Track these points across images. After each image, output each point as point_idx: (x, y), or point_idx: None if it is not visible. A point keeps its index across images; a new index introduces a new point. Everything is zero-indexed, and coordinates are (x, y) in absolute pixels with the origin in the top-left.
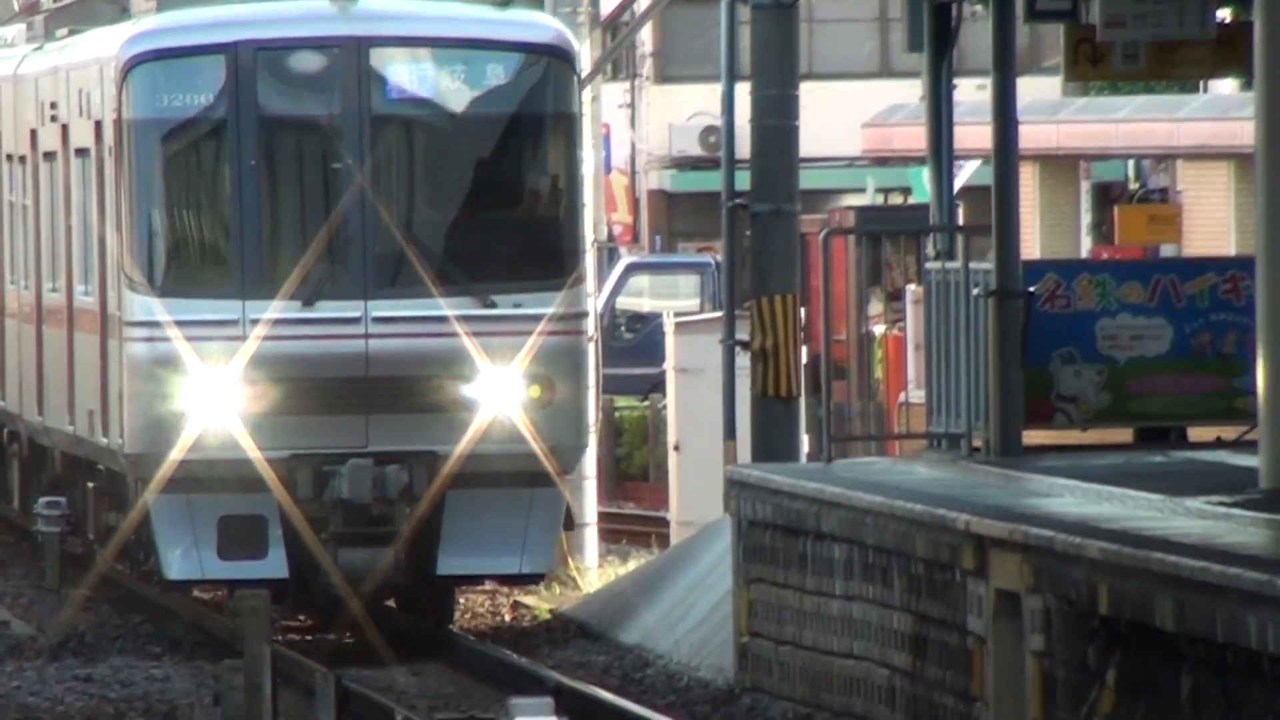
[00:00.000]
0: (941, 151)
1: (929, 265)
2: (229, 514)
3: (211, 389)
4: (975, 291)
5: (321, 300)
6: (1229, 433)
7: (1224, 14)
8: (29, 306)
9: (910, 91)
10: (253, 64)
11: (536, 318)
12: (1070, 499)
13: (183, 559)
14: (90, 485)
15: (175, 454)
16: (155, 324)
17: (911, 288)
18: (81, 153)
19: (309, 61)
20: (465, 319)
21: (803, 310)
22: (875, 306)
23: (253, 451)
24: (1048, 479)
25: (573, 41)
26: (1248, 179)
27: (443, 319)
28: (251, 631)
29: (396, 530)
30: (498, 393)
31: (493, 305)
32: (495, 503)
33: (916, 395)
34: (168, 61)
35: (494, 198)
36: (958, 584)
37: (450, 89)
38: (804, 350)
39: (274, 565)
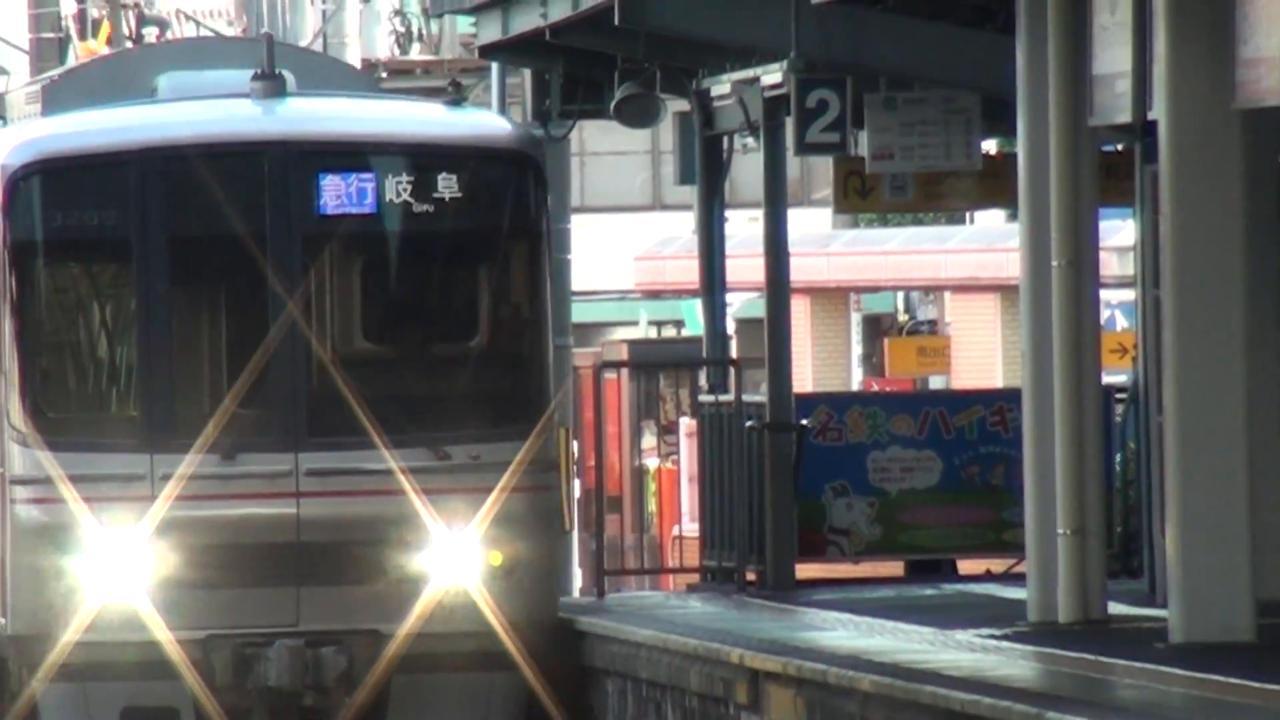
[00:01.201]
0: (714, 284)
1: (702, 398)
2: (133, 705)
3: (113, 558)
4: (748, 424)
5: (245, 453)
6: (998, 565)
7: (989, 146)
8: None
9: (682, 224)
10: (163, 173)
11: (498, 470)
12: (843, 632)
13: None
14: None
15: (69, 636)
16: (46, 482)
17: (685, 420)
18: None
19: (229, 169)
20: (414, 474)
21: (576, 444)
22: (649, 440)
23: (162, 632)
24: (821, 612)
25: (535, 144)
26: (1013, 310)
27: (388, 474)
28: None
29: None
30: (452, 561)
31: (446, 457)
32: (449, 691)
33: (690, 528)
34: (61, 172)
35: (447, 329)
36: (731, 718)
37: (394, 200)
38: (577, 484)
39: None
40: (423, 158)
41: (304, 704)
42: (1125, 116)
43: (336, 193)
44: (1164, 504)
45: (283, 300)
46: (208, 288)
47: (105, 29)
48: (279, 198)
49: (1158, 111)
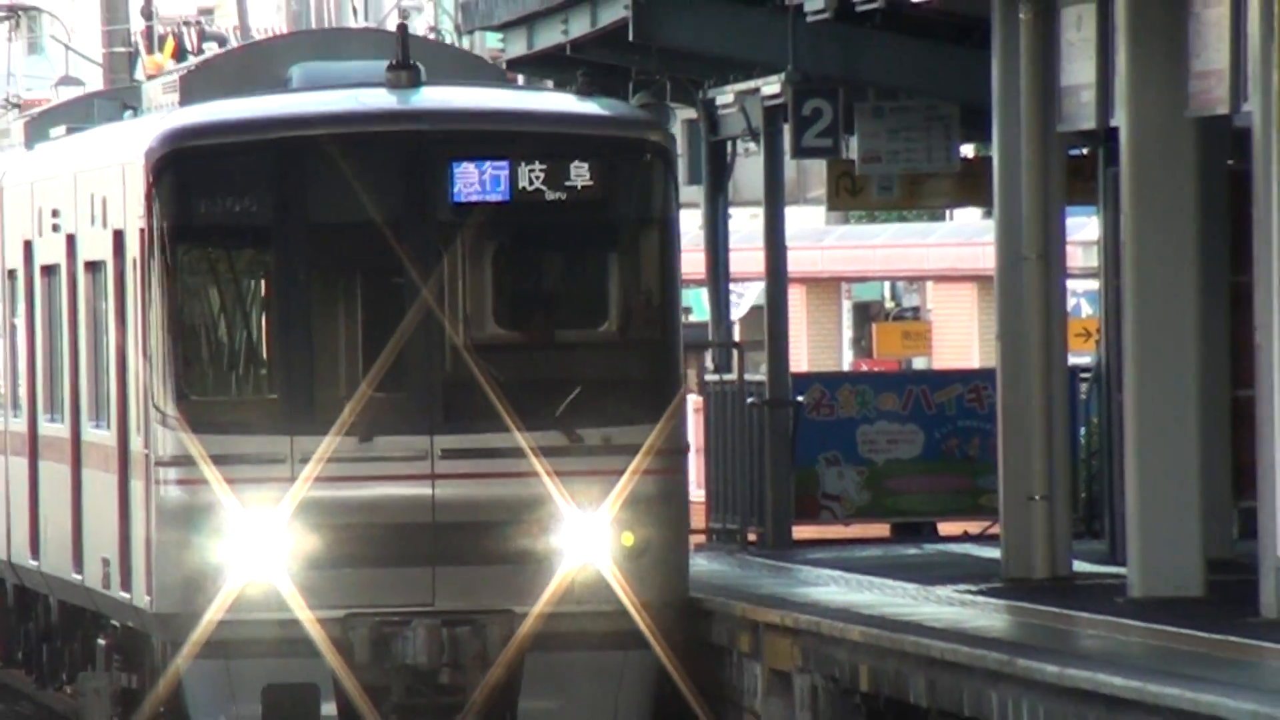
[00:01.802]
0: (719, 275)
1: (708, 377)
2: (275, 682)
3: (255, 538)
4: (750, 401)
5: (381, 435)
6: (974, 528)
7: (967, 150)
8: (18, 437)
9: (690, 220)
10: (301, 162)
11: (629, 453)
12: (835, 588)
13: None
14: (101, 642)
15: (212, 614)
16: (190, 464)
17: (693, 398)
18: (94, 266)
19: (366, 159)
20: (547, 455)
21: None
22: None
23: (302, 611)
24: (815, 570)
25: (668, 135)
26: (989, 298)
27: (521, 456)
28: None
29: (468, 700)
30: (584, 541)
31: (579, 440)
32: (581, 669)
33: (697, 494)
34: (205, 161)
35: (580, 315)
36: (735, 665)
37: (528, 190)
38: None
39: None
40: (558, 146)
41: (440, 682)
42: (1089, 123)
43: (471, 182)
44: (1123, 473)
45: (418, 286)
46: (345, 274)
47: (170, 44)
48: (414, 187)
49: (1119, 119)
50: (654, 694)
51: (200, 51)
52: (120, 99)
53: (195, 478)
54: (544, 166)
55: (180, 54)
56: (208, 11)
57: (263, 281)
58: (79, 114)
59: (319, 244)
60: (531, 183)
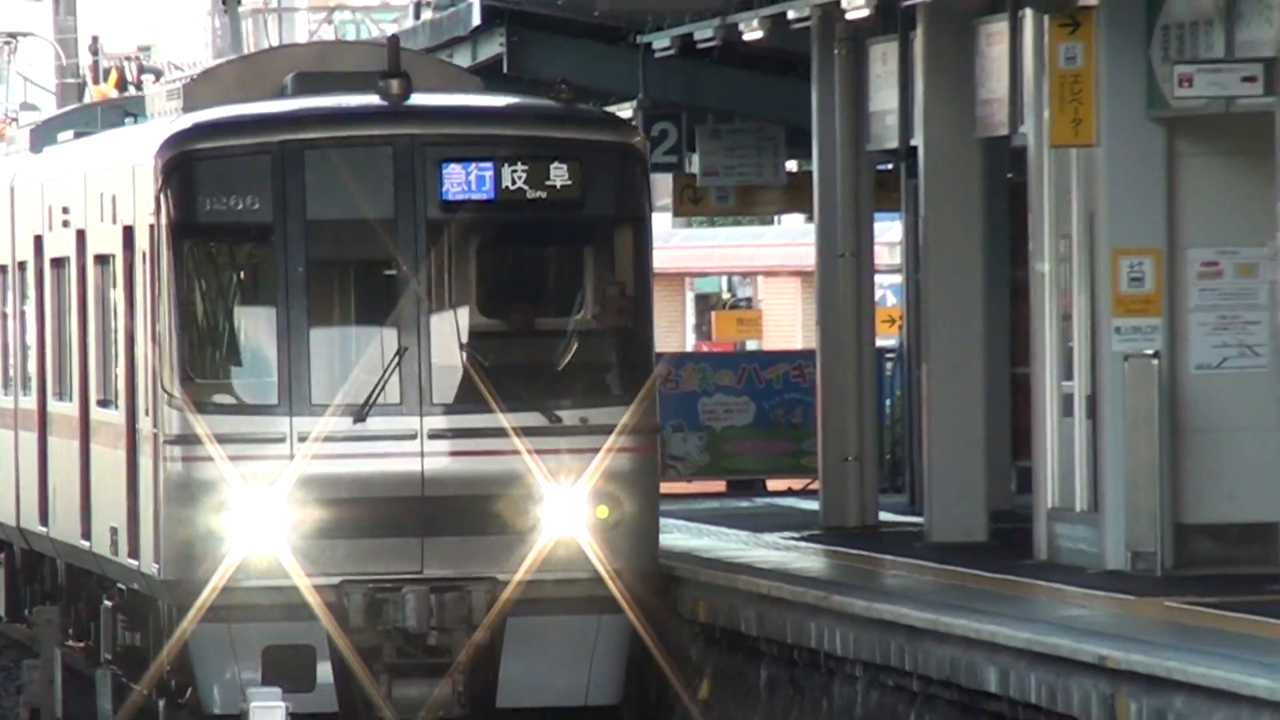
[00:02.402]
0: None
1: None
2: (274, 644)
3: (256, 511)
4: None
5: (374, 416)
6: (797, 484)
7: (792, 165)
8: (28, 414)
9: None
10: (300, 163)
11: (605, 432)
12: (679, 535)
13: (224, 692)
14: (107, 603)
15: (216, 581)
16: (196, 442)
17: None
18: (102, 259)
19: (361, 160)
20: (528, 434)
21: None
22: None
23: (300, 578)
24: (663, 520)
25: (643, 139)
26: (811, 290)
27: (504, 435)
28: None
29: (454, 661)
30: (563, 514)
31: (558, 420)
32: (559, 631)
33: None
34: (211, 161)
35: (559, 305)
36: None
37: (513, 190)
38: None
39: (322, 698)
40: (539, 148)
41: (428, 644)
42: (893, 143)
43: (457, 182)
44: (922, 437)
45: (409, 277)
46: (340, 266)
47: (114, 76)
48: (405, 187)
49: (918, 139)
50: (626, 655)
51: (139, 83)
52: (122, 108)
53: (201, 455)
54: (526, 167)
55: (122, 85)
56: (146, 48)
57: (264, 273)
58: (83, 121)
59: (316, 239)
60: (514, 182)
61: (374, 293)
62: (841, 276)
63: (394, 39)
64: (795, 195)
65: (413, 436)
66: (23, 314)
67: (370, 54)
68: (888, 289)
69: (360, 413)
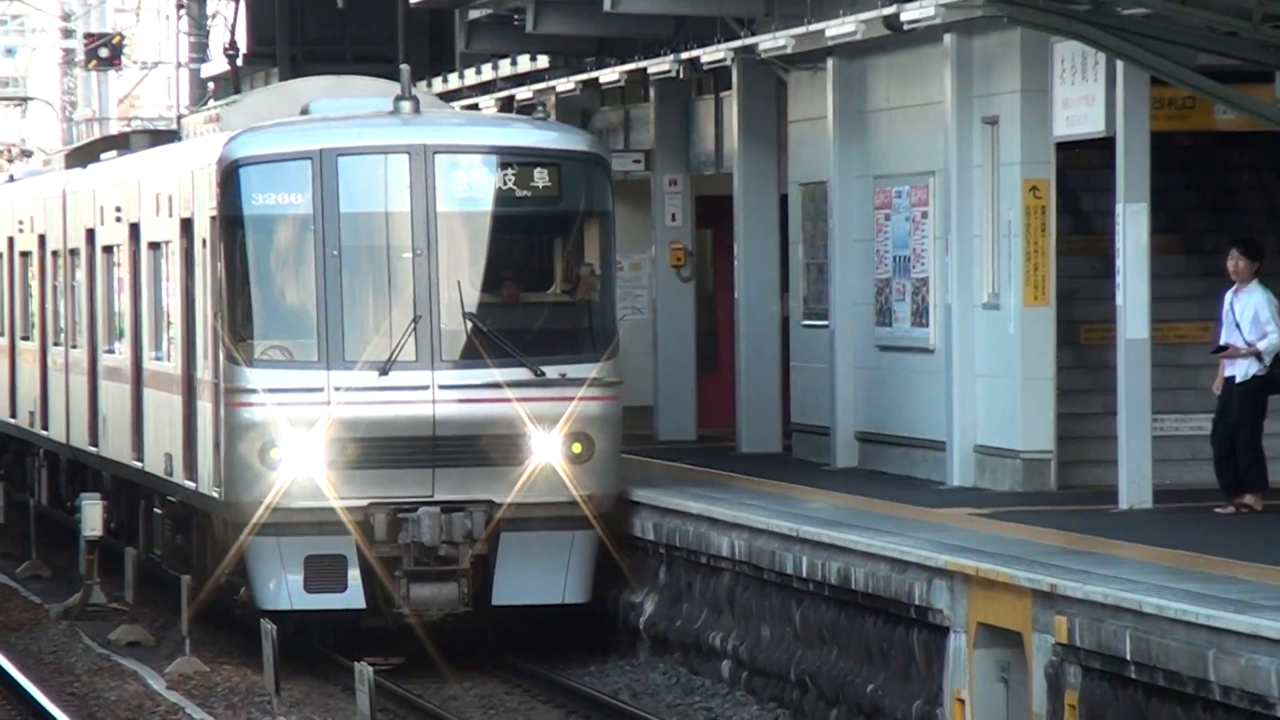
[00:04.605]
0: None
1: None
2: (314, 553)
3: (300, 447)
4: None
5: (394, 371)
6: None
7: None
8: (78, 363)
9: None
10: (335, 167)
11: (579, 384)
12: None
13: (274, 592)
14: (158, 511)
15: (268, 501)
16: (251, 391)
17: None
18: (155, 246)
19: (384, 165)
20: (518, 386)
21: None
22: None
23: (335, 500)
24: None
25: (607, 150)
26: None
27: (499, 386)
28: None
29: (459, 568)
30: (545, 449)
31: (541, 374)
32: (542, 543)
33: None
34: (264, 165)
35: (542, 282)
36: None
37: (504, 190)
38: None
39: (353, 597)
40: (526, 157)
41: (439, 554)
42: (711, 170)
43: (461, 183)
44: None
45: (423, 259)
46: (367, 250)
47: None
48: (419, 186)
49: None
50: (595, 562)
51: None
52: (148, 134)
53: (255, 402)
54: (515, 172)
55: None
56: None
57: (305, 255)
58: (113, 145)
59: (348, 229)
60: (505, 184)
61: (394, 271)
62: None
63: (406, 67)
64: None
65: (426, 388)
66: (73, 289)
67: (370, 85)
68: None
69: (384, 368)
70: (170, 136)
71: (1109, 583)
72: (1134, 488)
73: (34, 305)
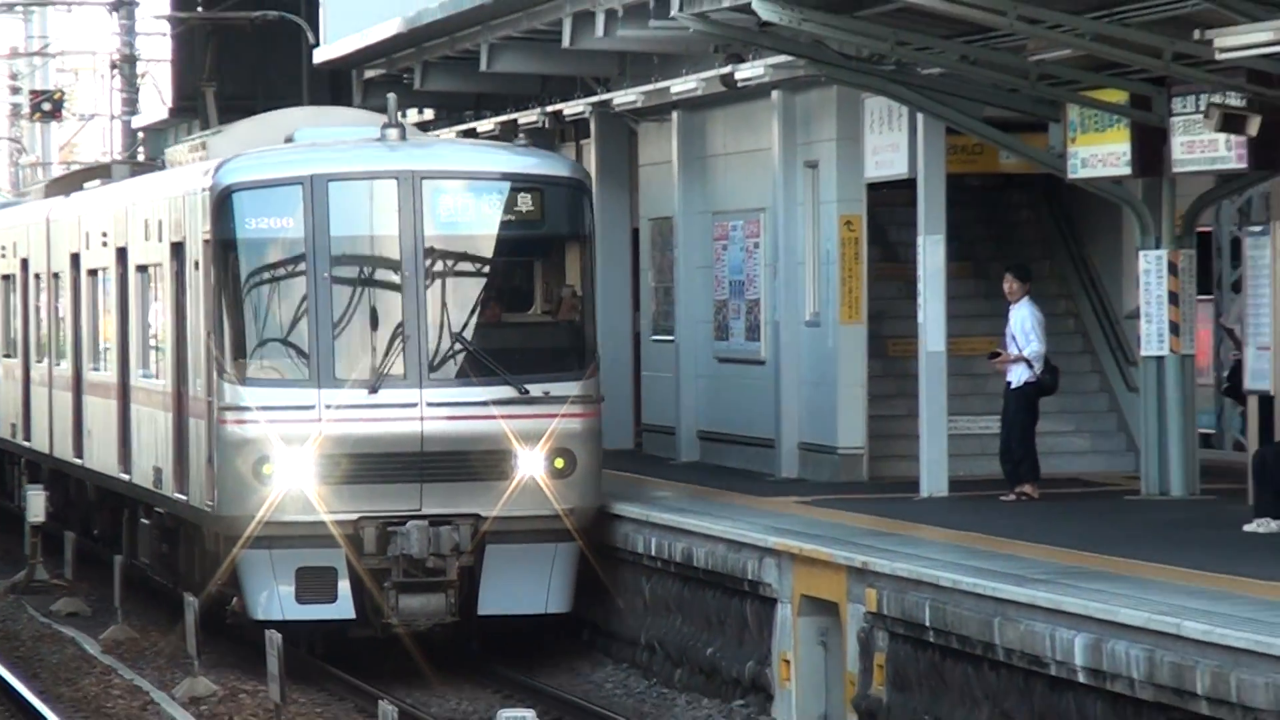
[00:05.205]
0: None
1: None
2: (305, 565)
3: (292, 463)
4: None
5: (383, 389)
6: None
7: None
8: (63, 378)
9: None
10: (326, 192)
11: (561, 401)
12: None
13: (266, 602)
14: (145, 521)
15: (260, 515)
16: (246, 409)
17: None
18: (142, 269)
19: (373, 190)
20: (503, 404)
21: None
22: None
23: (326, 514)
24: None
25: (587, 175)
26: None
27: (484, 404)
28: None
29: (447, 579)
30: (529, 464)
31: (525, 392)
32: (525, 555)
33: None
34: (256, 191)
35: (525, 303)
36: None
37: (489, 214)
38: None
39: (343, 608)
40: (510, 182)
41: (427, 566)
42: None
43: (448, 208)
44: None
45: (411, 280)
46: (357, 273)
47: None
48: (407, 211)
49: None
50: (576, 573)
51: None
52: (129, 165)
53: (248, 419)
54: (500, 197)
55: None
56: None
57: (297, 278)
58: (98, 175)
59: (338, 251)
60: (491, 208)
61: (383, 292)
62: None
63: (394, 96)
64: None
65: (414, 405)
66: (57, 309)
67: (349, 115)
68: None
69: (373, 386)
70: (150, 167)
71: (912, 560)
72: (933, 479)
73: (16, 324)
